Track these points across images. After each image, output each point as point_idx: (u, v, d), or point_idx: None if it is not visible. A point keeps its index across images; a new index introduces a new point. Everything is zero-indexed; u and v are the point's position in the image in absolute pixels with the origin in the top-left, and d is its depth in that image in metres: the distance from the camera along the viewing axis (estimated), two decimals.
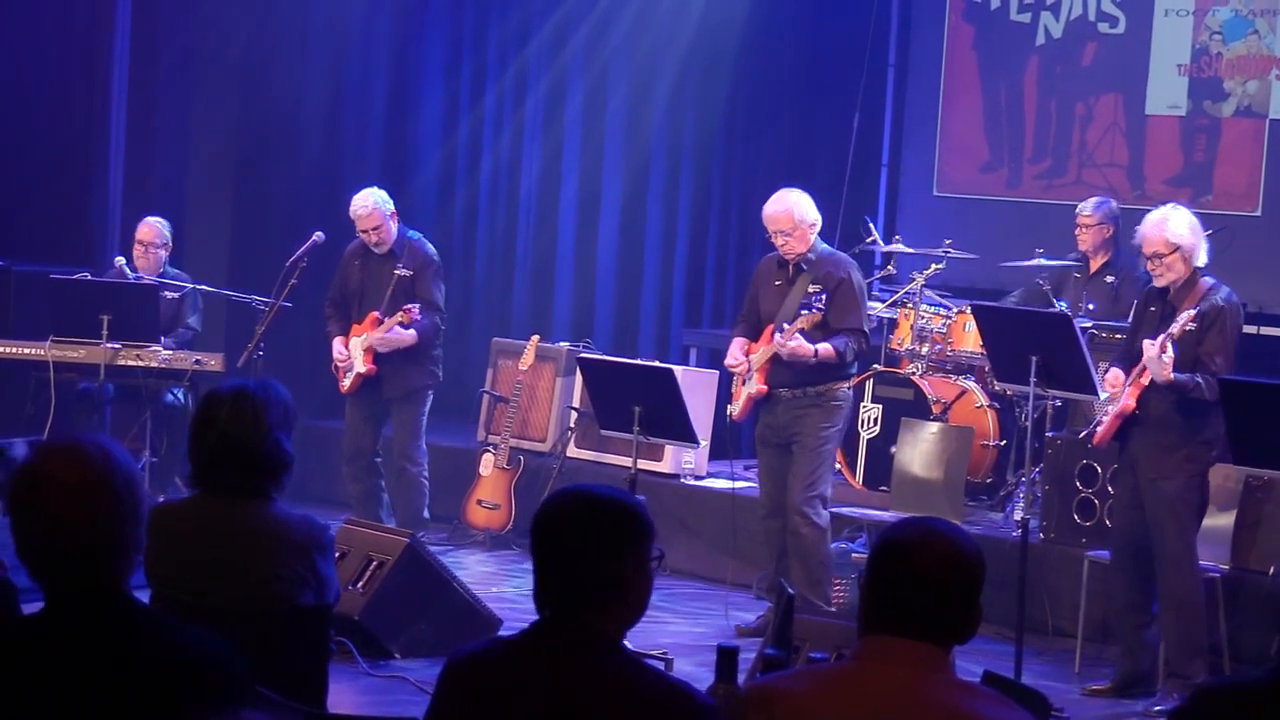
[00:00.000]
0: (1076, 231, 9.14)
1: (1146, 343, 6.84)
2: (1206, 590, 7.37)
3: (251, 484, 4.25)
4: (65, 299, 9.15)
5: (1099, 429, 7.12)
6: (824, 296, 7.63)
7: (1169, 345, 6.74)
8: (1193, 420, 6.89)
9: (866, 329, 7.80)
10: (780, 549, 7.86)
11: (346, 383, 8.93)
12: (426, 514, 9.13)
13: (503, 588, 8.60)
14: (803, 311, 7.62)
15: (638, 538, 3.19)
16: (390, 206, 8.89)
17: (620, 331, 11.54)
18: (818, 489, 7.76)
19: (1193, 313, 6.77)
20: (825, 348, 7.61)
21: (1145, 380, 6.89)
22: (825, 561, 7.79)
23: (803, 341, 7.58)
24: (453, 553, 9.21)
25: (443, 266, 9.11)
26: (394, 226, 8.91)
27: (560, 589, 3.17)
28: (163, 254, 9.59)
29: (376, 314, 8.82)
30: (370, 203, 8.83)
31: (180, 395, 9.39)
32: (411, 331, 8.72)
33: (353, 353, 8.88)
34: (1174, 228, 6.92)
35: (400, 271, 8.83)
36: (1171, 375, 6.74)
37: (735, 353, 7.88)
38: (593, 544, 3.15)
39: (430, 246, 9.05)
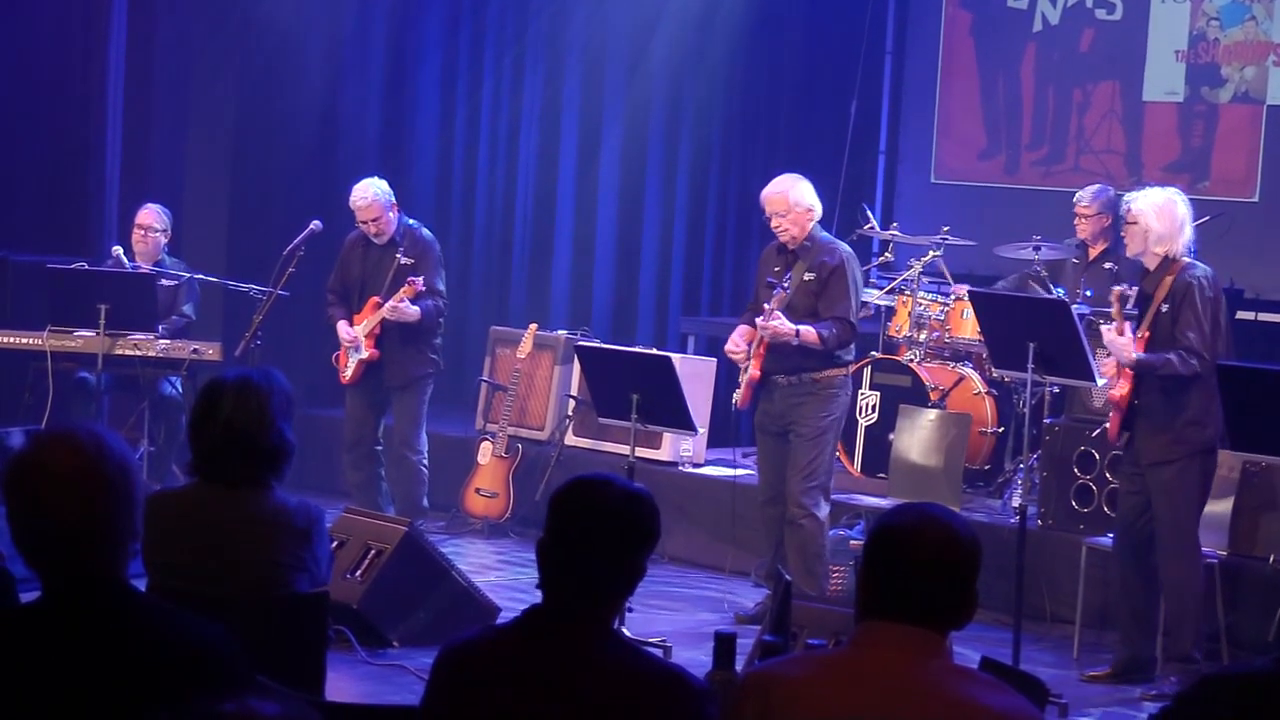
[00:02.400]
0: (1075, 220, 9.14)
1: (1104, 327, 6.90)
2: (1205, 577, 7.38)
3: (254, 473, 4.26)
4: (62, 288, 9.13)
5: (1109, 426, 7.14)
6: (789, 276, 7.62)
7: (1126, 327, 6.78)
8: (1176, 402, 6.89)
9: (854, 319, 7.72)
10: (779, 537, 7.85)
11: (348, 373, 8.94)
12: (425, 502, 9.14)
13: (501, 576, 8.61)
14: (775, 292, 7.63)
15: (654, 536, 3.26)
16: (391, 197, 8.90)
17: (618, 319, 11.54)
18: (816, 479, 7.71)
19: (1122, 288, 6.86)
20: (807, 330, 7.57)
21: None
22: (821, 553, 7.75)
23: (784, 321, 7.56)
24: (451, 541, 9.22)
25: (442, 253, 9.11)
26: (394, 217, 8.91)
27: (578, 574, 3.19)
28: (161, 240, 9.59)
29: (378, 299, 8.82)
30: (370, 194, 8.83)
31: (178, 385, 9.39)
32: (416, 309, 8.73)
33: (357, 339, 8.89)
34: (1140, 205, 6.99)
35: (401, 259, 8.84)
36: (1134, 356, 6.80)
37: (735, 338, 7.85)
38: (624, 537, 3.21)
39: (429, 233, 9.06)
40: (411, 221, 9.05)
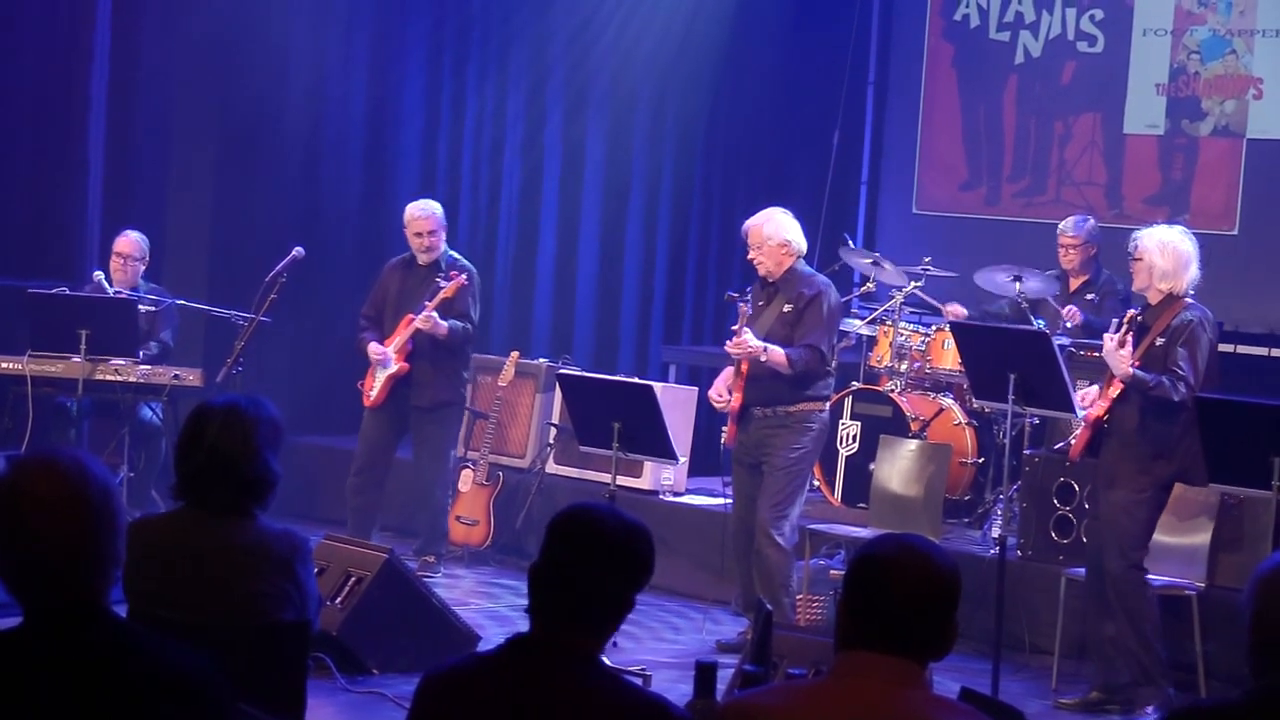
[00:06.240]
0: (1060, 251, 9.16)
1: (1106, 336, 6.95)
2: (1181, 609, 7.39)
3: (237, 501, 4.24)
4: (43, 313, 9.12)
5: (1073, 442, 7.19)
6: (750, 289, 7.74)
7: (1128, 340, 6.83)
8: (1155, 432, 6.93)
9: (825, 350, 7.71)
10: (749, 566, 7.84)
11: (374, 393, 8.97)
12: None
13: (481, 603, 8.59)
14: (738, 305, 7.68)
15: (649, 569, 3.26)
16: (444, 220, 9.11)
17: (600, 348, 11.55)
18: (784, 510, 7.68)
19: (1134, 310, 6.98)
20: (775, 349, 7.59)
21: (1114, 392, 6.95)
22: (786, 584, 7.72)
23: (751, 336, 7.59)
24: (431, 568, 9.20)
25: (480, 285, 9.20)
26: (444, 239, 9.09)
27: (568, 602, 3.18)
28: (140, 268, 9.60)
29: (411, 316, 8.86)
30: (432, 208, 9.10)
31: (158, 411, 9.37)
32: (446, 325, 8.76)
33: (386, 354, 8.96)
34: (1146, 242, 7.05)
35: (441, 282, 8.89)
36: (1130, 370, 6.84)
37: (719, 385, 7.86)
38: (619, 569, 3.20)
39: (469, 264, 9.20)
40: (454, 253, 9.15)
